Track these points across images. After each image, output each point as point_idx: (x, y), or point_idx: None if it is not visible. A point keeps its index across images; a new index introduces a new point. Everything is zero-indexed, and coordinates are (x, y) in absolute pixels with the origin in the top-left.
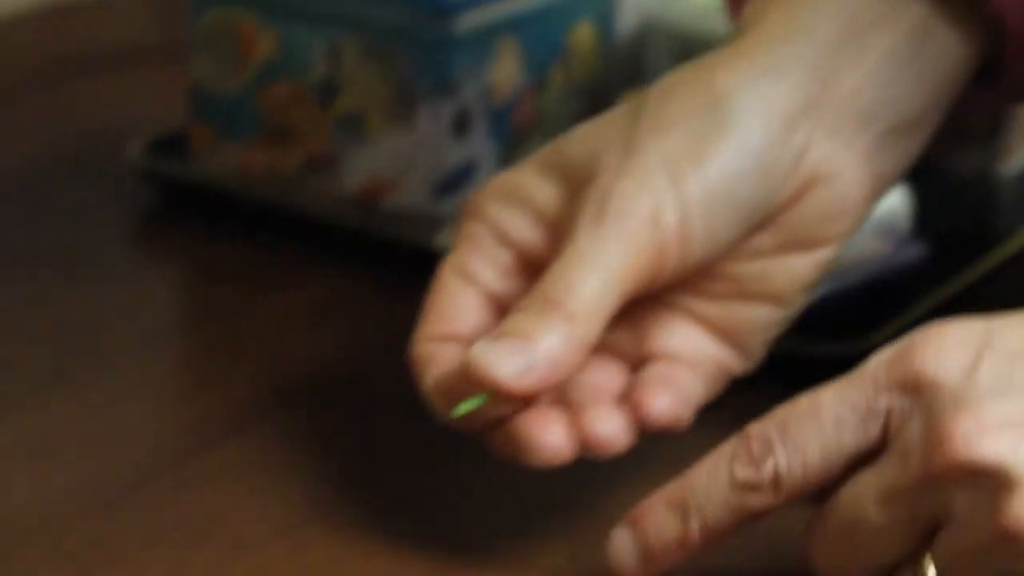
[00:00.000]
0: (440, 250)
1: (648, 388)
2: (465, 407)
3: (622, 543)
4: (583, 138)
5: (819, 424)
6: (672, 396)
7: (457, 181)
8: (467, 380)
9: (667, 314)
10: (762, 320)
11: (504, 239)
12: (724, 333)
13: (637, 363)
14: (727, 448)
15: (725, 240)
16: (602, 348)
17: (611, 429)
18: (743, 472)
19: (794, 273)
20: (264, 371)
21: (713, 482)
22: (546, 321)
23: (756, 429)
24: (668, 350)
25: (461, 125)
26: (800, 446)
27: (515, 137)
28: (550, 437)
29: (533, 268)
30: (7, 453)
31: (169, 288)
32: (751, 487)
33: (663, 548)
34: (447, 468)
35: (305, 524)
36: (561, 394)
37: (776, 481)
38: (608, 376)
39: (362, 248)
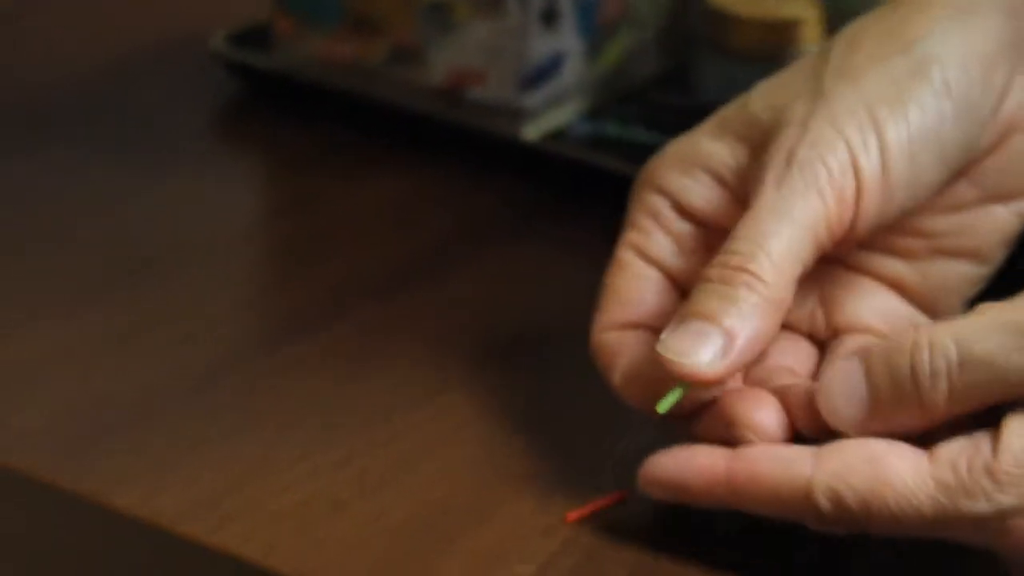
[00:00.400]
0: (525, 142)
1: None
2: (667, 403)
3: None
4: (765, 94)
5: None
6: None
7: (543, 73)
8: (661, 373)
9: (856, 280)
10: (960, 278)
11: (684, 210)
12: (919, 296)
13: (827, 338)
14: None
15: (927, 188)
16: (786, 326)
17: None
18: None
19: (994, 225)
20: (350, 264)
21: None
22: (733, 293)
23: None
24: (858, 321)
25: (549, 17)
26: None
27: (602, 31)
28: (762, 417)
29: (716, 239)
30: (95, 341)
31: (253, 180)
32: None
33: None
34: (540, 357)
35: (393, 414)
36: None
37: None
38: (798, 358)
39: (447, 140)
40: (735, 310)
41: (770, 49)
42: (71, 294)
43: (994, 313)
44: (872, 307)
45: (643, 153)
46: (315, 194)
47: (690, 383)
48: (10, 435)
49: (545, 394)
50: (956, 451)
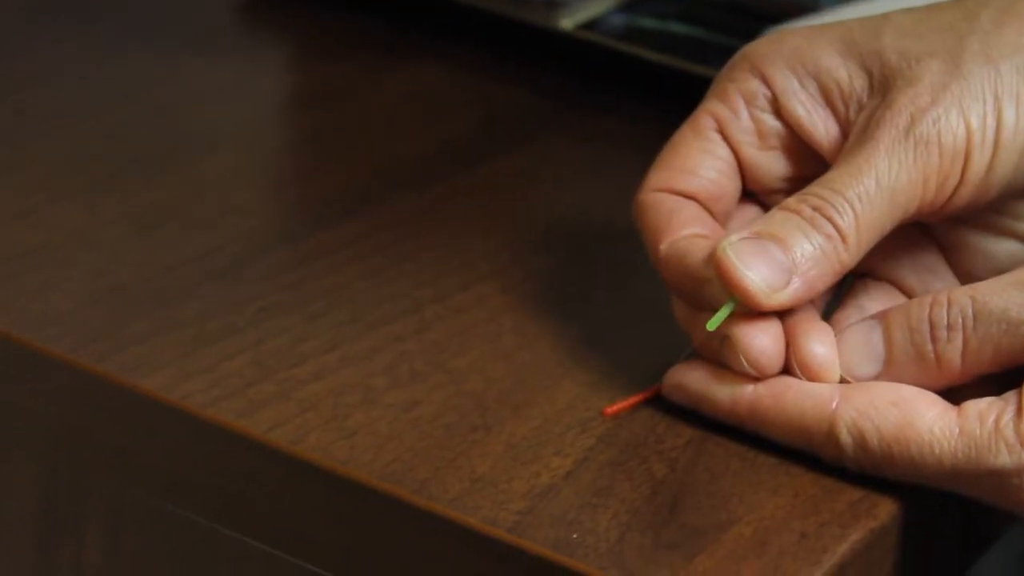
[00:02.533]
0: (560, 31)
1: None
2: (717, 320)
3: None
4: (901, 33)
5: None
6: None
7: None
8: (713, 270)
9: (909, 231)
10: (1011, 259)
11: (781, 109)
12: (966, 266)
13: (856, 272)
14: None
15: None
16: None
17: (823, 351)
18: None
19: None
20: (378, 154)
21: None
22: (812, 236)
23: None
24: (893, 272)
25: None
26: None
27: None
28: (761, 343)
29: (799, 150)
30: (117, 226)
31: (281, 69)
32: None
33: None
34: (572, 249)
35: (422, 305)
36: None
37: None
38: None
39: (480, 30)
40: (812, 252)
41: None
42: (94, 178)
43: (1013, 274)
44: (913, 262)
45: (679, 45)
46: (344, 84)
47: (740, 299)
48: (32, 318)
49: (577, 286)
50: (984, 405)
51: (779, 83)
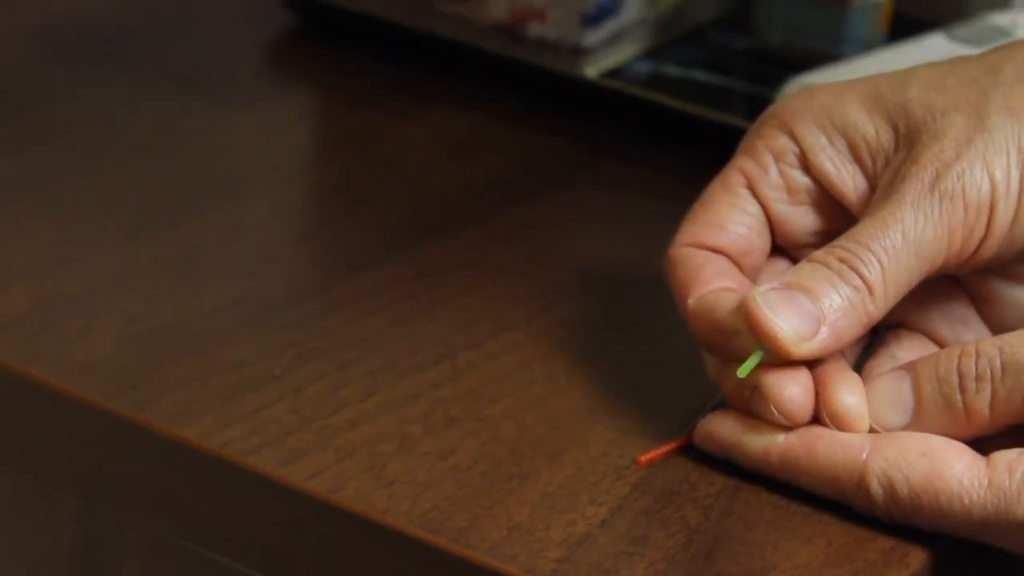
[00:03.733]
0: (585, 79)
1: None
2: (747, 367)
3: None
4: (927, 86)
5: None
6: None
7: (604, 12)
8: (741, 322)
9: (940, 283)
10: None
11: (810, 166)
12: (998, 316)
13: (887, 324)
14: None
15: None
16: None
17: (852, 401)
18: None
19: None
20: (407, 200)
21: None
22: (840, 288)
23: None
24: (926, 323)
25: None
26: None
27: None
28: (791, 392)
29: (827, 205)
30: (152, 272)
31: (310, 115)
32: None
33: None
34: (599, 295)
35: (455, 352)
36: None
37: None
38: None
39: (506, 77)
40: (840, 303)
41: None
42: (129, 224)
43: None
44: (944, 313)
45: (702, 93)
46: (373, 130)
47: (770, 348)
48: (71, 365)
49: (606, 333)
50: (1013, 456)
51: (808, 140)
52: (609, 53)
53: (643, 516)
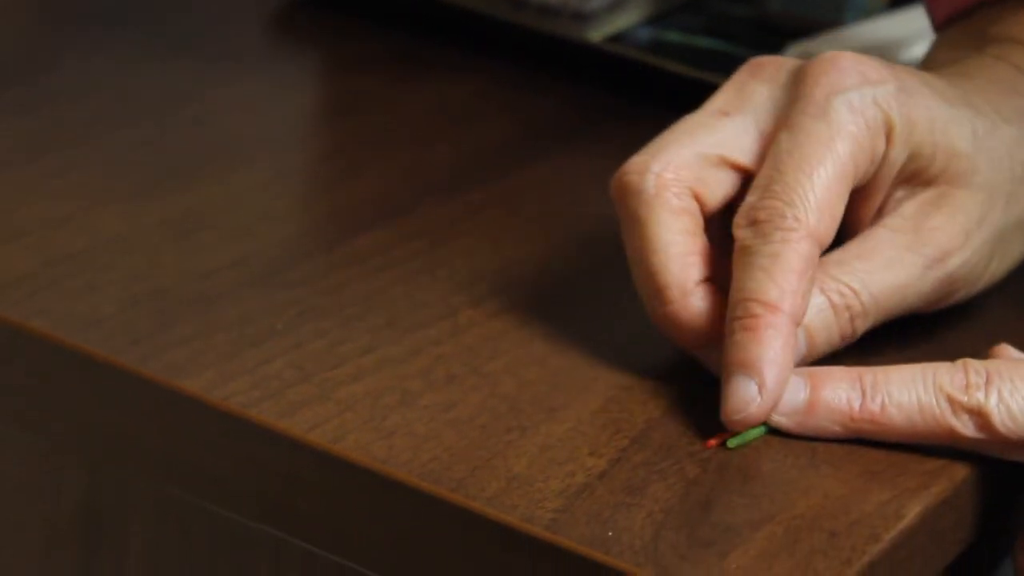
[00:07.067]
0: (589, 44)
1: None
2: (739, 441)
3: (794, 392)
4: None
5: None
6: None
7: None
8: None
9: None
10: None
11: None
12: None
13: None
14: (940, 365)
15: None
16: None
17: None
18: (951, 385)
19: None
20: (409, 163)
21: (912, 379)
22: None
23: (976, 362)
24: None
25: None
26: (1020, 392)
27: None
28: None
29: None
30: (154, 233)
31: (313, 80)
32: (953, 401)
33: (830, 411)
34: (601, 257)
35: (456, 310)
36: None
37: (980, 411)
38: None
39: (510, 42)
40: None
41: None
42: (131, 187)
43: None
44: None
45: (704, 58)
46: (375, 95)
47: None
48: (76, 321)
49: (607, 292)
50: None
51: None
52: (612, 18)
53: (642, 468)
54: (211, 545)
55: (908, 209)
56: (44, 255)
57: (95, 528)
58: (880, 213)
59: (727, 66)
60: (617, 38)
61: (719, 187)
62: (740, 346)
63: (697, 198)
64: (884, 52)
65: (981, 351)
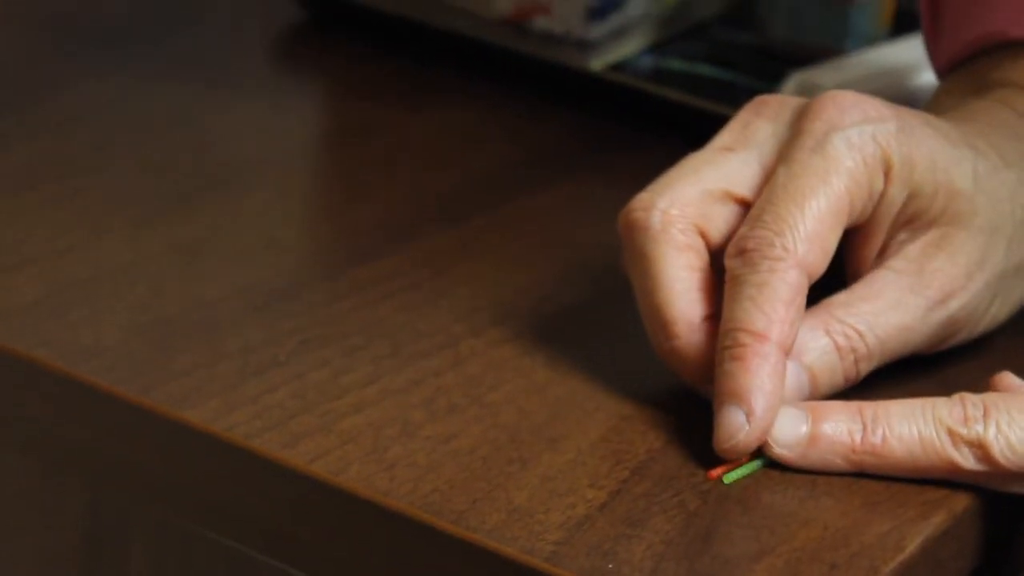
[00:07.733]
0: (591, 72)
1: None
2: (735, 475)
3: (796, 425)
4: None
5: None
6: None
7: (609, 6)
8: None
9: None
10: None
11: None
12: None
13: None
14: (938, 399)
15: None
16: None
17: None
18: (951, 418)
19: None
20: (412, 190)
21: (912, 413)
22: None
23: (973, 396)
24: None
25: None
26: (1018, 423)
27: None
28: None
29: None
30: (159, 260)
31: (317, 106)
32: (953, 434)
33: (832, 443)
34: (604, 286)
35: (458, 340)
36: None
37: (980, 443)
38: None
39: (512, 70)
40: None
41: None
42: (135, 214)
43: None
44: None
45: (706, 86)
46: (378, 121)
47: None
48: (79, 350)
49: (608, 322)
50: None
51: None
52: (614, 47)
53: (642, 499)
54: (212, 574)
55: (912, 251)
56: (47, 284)
57: (96, 555)
58: (884, 255)
59: (729, 94)
60: (619, 66)
61: (724, 222)
62: (729, 375)
63: (702, 234)
64: (886, 79)
65: (982, 380)
